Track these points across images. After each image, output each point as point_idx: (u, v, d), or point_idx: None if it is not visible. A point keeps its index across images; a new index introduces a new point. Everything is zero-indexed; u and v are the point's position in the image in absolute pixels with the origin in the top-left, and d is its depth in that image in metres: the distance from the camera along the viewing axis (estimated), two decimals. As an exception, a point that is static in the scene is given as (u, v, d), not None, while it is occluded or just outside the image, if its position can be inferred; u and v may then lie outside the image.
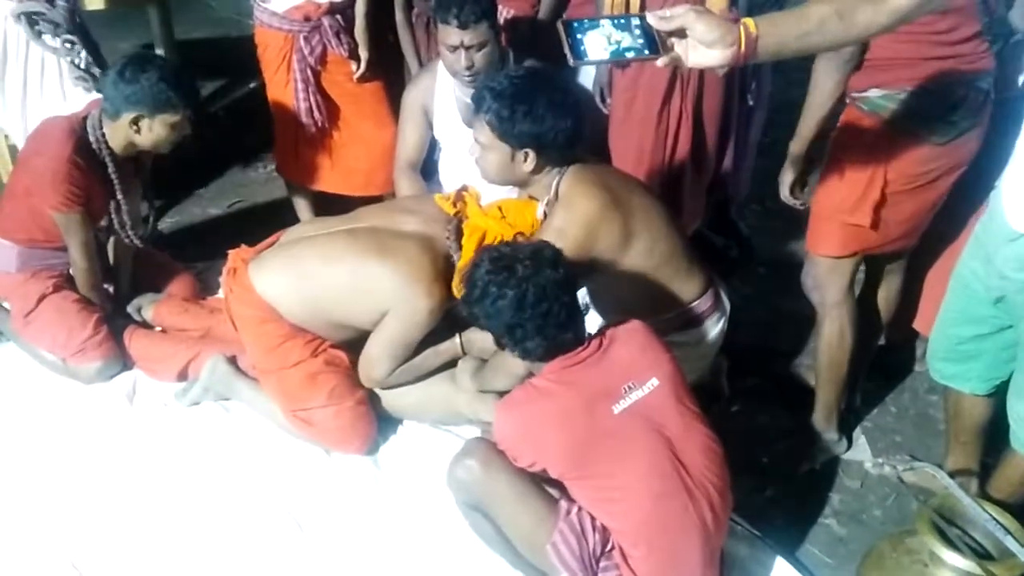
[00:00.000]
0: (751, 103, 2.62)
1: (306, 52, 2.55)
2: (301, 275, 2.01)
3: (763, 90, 2.66)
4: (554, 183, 1.89)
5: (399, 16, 2.71)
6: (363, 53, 2.62)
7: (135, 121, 2.12)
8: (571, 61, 1.26)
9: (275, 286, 2.02)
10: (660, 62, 1.26)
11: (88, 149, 2.18)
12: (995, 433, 1.93)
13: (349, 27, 2.58)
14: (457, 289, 1.74)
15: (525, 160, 1.85)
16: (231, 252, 2.14)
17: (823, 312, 2.07)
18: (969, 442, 1.95)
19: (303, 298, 2.01)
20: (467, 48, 2.25)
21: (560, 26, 1.26)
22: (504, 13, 2.57)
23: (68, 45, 2.49)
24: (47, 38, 2.51)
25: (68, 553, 1.86)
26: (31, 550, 1.86)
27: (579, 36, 1.25)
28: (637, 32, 1.25)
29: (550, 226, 1.84)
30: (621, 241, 1.85)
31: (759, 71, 2.59)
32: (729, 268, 2.76)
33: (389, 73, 2.77)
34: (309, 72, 2.59)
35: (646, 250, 1.88)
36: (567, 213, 1.83)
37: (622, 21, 1.26)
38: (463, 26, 2.21)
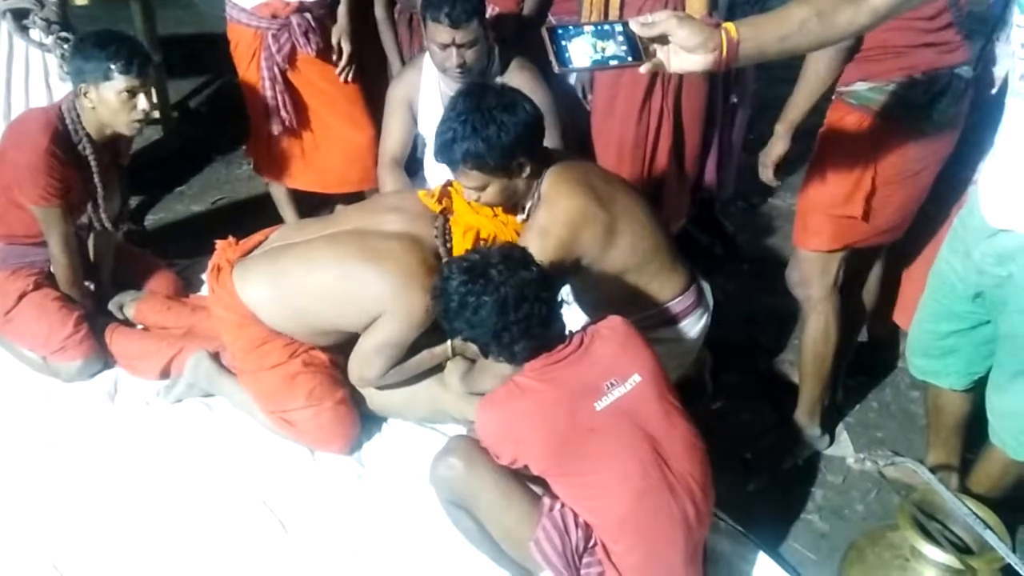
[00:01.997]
0: (735, 101, 2.63)
1: (274, 50, 2.54)
2: (284, 285, 1.99)
3: (747, 89, 2.68)
4: (536, 187, 1.88)
5: (380, 13, 2.70)
6: (345, 47, 2.60)
7: (85, 94, 2.10)
8: (556, 68, 1.27)
9: (257, 295, 2.00)
10: (643, 68, 1.27)
11: (66, 139, 2.15)
12: (975, 428, 1.95)
13: (319, 26, 2.57)
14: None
15: (521, 170, 1.83)
16: (218, 244, 2.12)
17: (808, 307, 2.07)
18: (949, 437, 1.96)
19: (286, 307, 2.00)
20: (459, 46, 2.25)
21: (544, 33, 1.26)
22: (489, 10, 2.57)
23: (61, 41, 2.46)
24: (34, 33, 2.48)
25: (49, 553, 1.84)
26: (11, 550, 1.84)
27: (563, 43, 1.25)
28: (620, 39, 1.26)
29: (533, 226, 1.84)
30: (604, 239, 1.85)
31: (742, 70, 2.60)
32: (714, 265, 2.78)
33: (369, 73, 2.76)
34: (276, 70, 2.57)
35: (629, 247, 1.88)
36: (550, 212, 1.83)
37: (605, 28, 1.27)
38: (455, 25, 2.21)
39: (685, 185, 2.65)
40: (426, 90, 2.47)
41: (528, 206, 1.91)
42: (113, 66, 2.06)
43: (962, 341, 1.75)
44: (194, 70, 3.97)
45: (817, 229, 1.98)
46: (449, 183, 2.08)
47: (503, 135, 1.76)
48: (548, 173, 1.87)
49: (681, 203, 2.69)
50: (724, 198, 2.94)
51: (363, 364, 2.01)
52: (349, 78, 2.65)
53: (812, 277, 2.03)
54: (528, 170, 1.84)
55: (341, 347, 2.07)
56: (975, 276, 1.60)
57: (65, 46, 2.47)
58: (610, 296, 1.92)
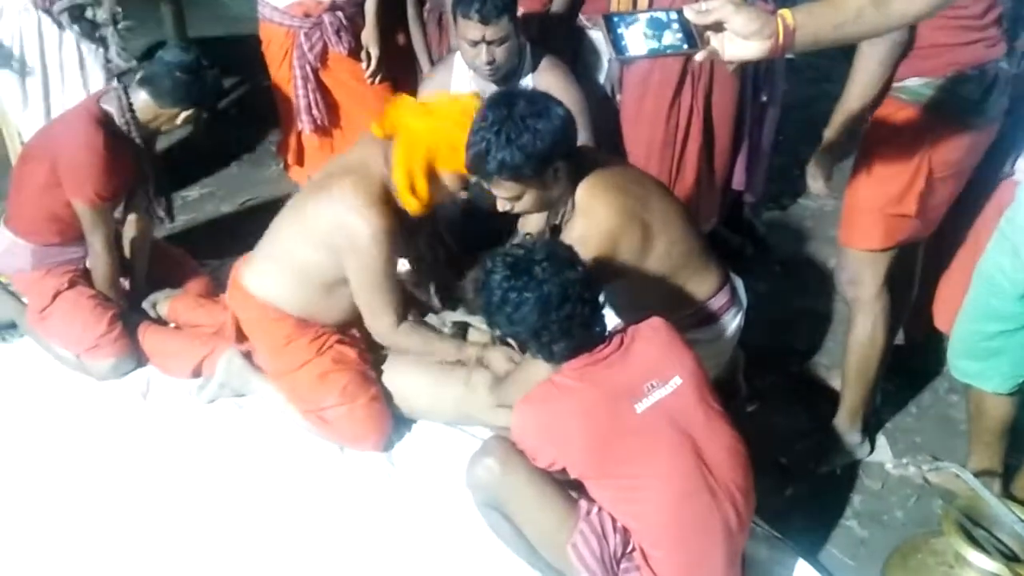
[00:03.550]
0: (764, 100, 2.60)
1: (306, 48, 2.54)
2: (274, 252, 2.02)
3: (776, 88, 2.64)
4: (571, 190, 1.83)
5: (410, 11, 2.70)
6: (373, 51, 2.61)
7: (157, 102, 2.18)
8: (614, 56, 1.28)
9: (260, 278, 2.04)
10: (699, 56, 1.27)
11: (114, 132, 2.18)
12: (1018, 433, 1.91)
13: (351, 25, 2.57)
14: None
15: (556, 175, 1.78)
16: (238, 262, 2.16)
17: (856, 308, 2.03)
18: (992, 442, 1.92)
19: (285, 274, 2.02)
20: (488, 43, 2.24)
21: (601, 21, 1.28)
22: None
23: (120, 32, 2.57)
24: (87, 30, 2.54)
25: (81, 550, 1.85)
26: (44, 547, 1.86)
27: (619, 31, 1.26)
28: (676, 27, 1.27)
29: (570, 236, 1.80)
30: (641, 246, 1.82)
31: (772, 69, 2.57)
32: (745, 267, 2.74)
33: (398, 73, 2.76)
34: (308, 69, 2.57)
35: (665, 252, 1.85)
36: (588, 222, 1.79)
37: (661, 16, 1.28)
38: (485, 21, 2.20)
39: (715, 185, 2.62)
40: (457, 89, 2.45)
41: (562, 212, 1.87)
42: (199, 107, 2.23)
43: (1008, 343, 1.72)
44: (223, 72, 3.96)
45: (868, 228, 1.93)
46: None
47: (539, 143, 1.71)
48: (584, 182, 1.83)
49: (711, 203, 2.66)
50: (754, 199, 2.90)
51: (369, 316, 2.01)
52: (377, 81, 2.65)
53: (863, 276, 1.98)
54: (564, 175, 1.80)
55: (369, 341, 2.07)
56: (1023, 275, 1.56)
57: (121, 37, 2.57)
58: (646, 299, 1.89)
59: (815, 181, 1.97)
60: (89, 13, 2.52)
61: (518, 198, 1.79)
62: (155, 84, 2.16)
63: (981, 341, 1.76)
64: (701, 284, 1.93)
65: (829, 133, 1.90)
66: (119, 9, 2.54)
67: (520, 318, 1.52)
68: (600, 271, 1.76)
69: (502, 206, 1.82)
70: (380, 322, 2.01)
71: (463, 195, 2.02)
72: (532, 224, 2.01)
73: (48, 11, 2.52)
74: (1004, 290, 1.64)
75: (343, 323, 2.10)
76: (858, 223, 1.96)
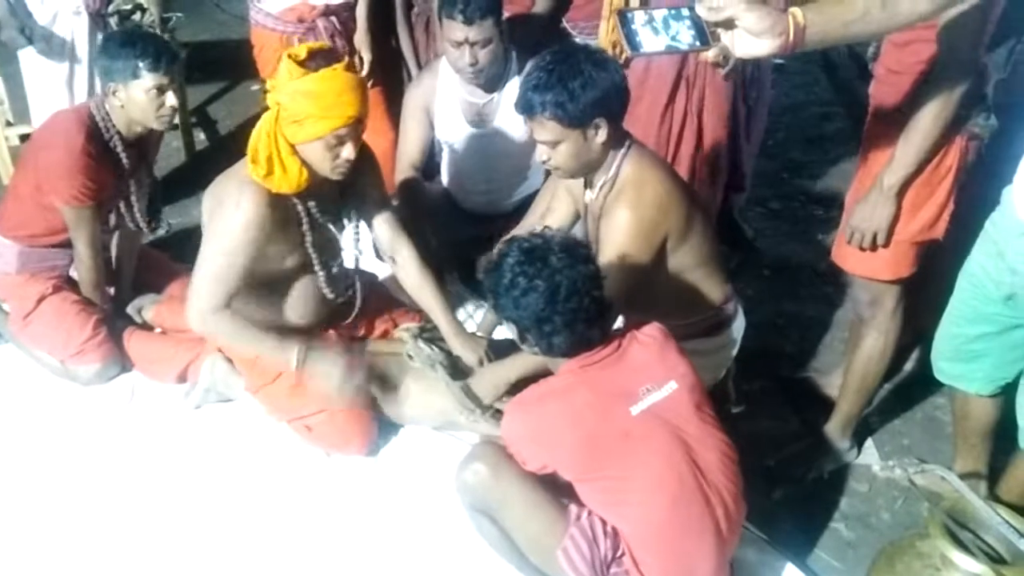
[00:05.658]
0: (750, 105, 2.61)
1: None
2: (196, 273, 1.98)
3: (764, 93, 2.65)
4: (615, 163, 1.79)
5: (398, 15, 2.70)
6: (365, 55, 2.61)
7: (114, 93, 2.11)
8: (628, 52, 1.31)
9: None
10: (711, 53, 1.29)
11: (98, 138, 2.16)
12: (1003, 435, 1.91)
13: (345, 30, 2.57)
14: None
15: (597, 132, 1.73)
16: None
17: (872, 326, 2.00)
18: (977, 444, 1.92)
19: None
20: (472, 44, 2.24)
21: (615, 17, 1.31)
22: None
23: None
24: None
25: (66, 557, 1.83)
26: (29, 554, 1.84)
27: (633, 27, 1.28)
28: (688, 24, 1.28)
29: (618, 205, 1.76)
30: (683, 228, 1.79)
31: (760, 74, 2.57)
32: (734, 271, 2.75)
33: (388, 77, 2.76)
34: None
35: (697, 244, 1.83)
36: (639, 192, 1.75)
37: (673, 13, 1.29)
38: (468, 21, 2.20)
39: (706, 189, 2.62)
40: (443, 95, 2.46)
41: (601, 182, 1.82)
42: (141, 64, 2.06)
43: (991, 345, 1.73)
44: (213, 76, 4.00)
45: (898, 260, 1.89)
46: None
47: (588, 87, 1.67)
48: (629, 155, 1.79)
49: (712, 205, 2.65)
50: (741, 202, 2.91)
51: (192, 295, 1.91)
52: (369, 85, 2.65)
53: (885, 300, 1.96)
54: (604, 136, 1.73)
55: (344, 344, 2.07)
56: (1008, 277, 1.57)
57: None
58: (665, 295, 1.86)
59: (880, 234, 1.82)
60: (135, 17, 2.60)
61: (556, 144, 1.74)
62: (106, 73, 2.12)
63: (964, 343, 1.77)
64: (717, 288, 1.92)
65: (890, 177, 1.76)
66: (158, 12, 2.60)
67: (527, 303, 1.50)
68: (644, 246, 1.73)
69: (540, 154, 1.79)
70: (192, 305, 1.89)
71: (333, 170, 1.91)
72: (556, 218, 1.99)
73: (101, 15, 2.57)
74: (988, 292, 1.65)
75: (307, 323, 2.07)
76: (885, 257, 1.89)
